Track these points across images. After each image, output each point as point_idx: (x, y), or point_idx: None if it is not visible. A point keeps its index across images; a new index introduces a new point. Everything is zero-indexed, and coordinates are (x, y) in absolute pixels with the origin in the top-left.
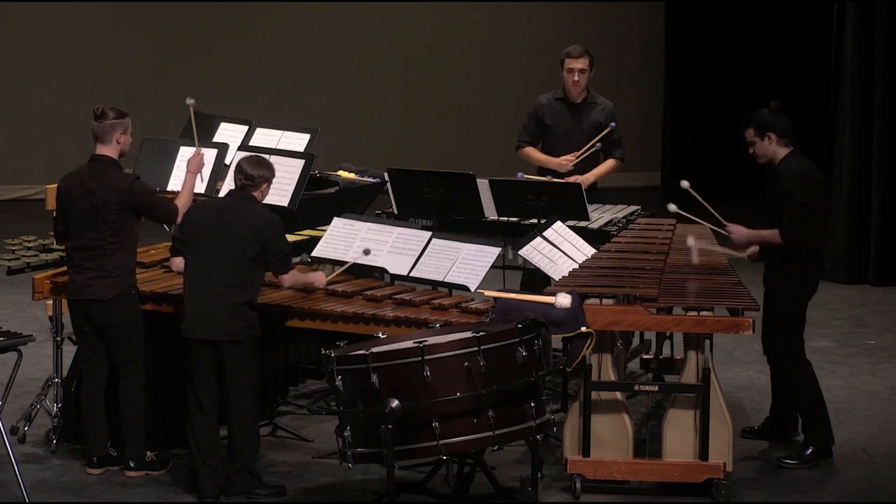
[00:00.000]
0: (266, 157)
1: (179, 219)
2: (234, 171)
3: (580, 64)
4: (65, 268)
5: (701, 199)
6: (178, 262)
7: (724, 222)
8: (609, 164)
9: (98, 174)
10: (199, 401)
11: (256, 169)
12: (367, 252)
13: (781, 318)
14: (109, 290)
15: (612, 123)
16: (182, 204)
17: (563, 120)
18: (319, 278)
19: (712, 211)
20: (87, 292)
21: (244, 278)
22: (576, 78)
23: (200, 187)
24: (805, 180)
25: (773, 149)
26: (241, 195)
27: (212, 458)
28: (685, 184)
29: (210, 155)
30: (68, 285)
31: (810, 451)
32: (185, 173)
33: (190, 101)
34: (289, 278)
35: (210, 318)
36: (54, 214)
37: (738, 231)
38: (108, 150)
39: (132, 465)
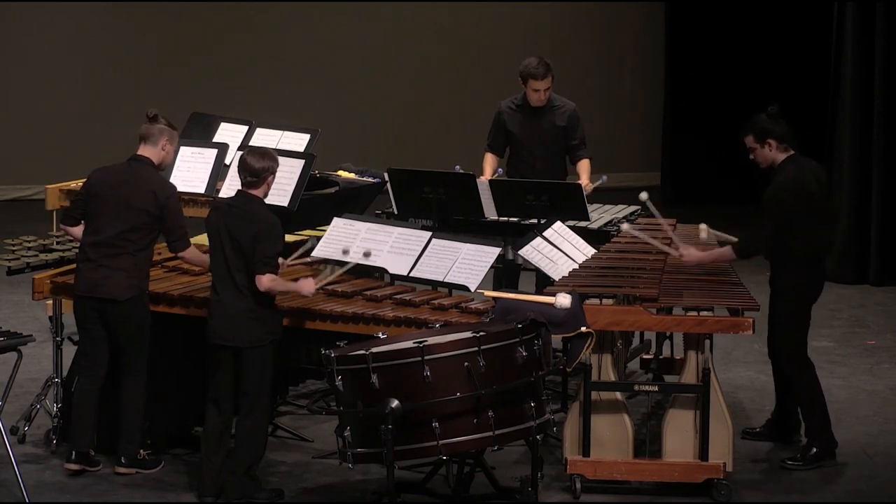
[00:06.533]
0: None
1: (185, 254)
2: (238, 169)
3: (545, 84)
4: (65, 268)
5: (658, 216)
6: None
7: (677, 245)
8: (587, 167)
9: (139, 172)
10: (217, 402)
11: (260, 161)
12: (367, 254)
13: (785, 321)
14: (126, 291)
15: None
16: (193, 254)
17: (525, 127)
18: (307, 287)
19: (668, 231)
20: (101, 291)
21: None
22: (541, 97)
23: (200, 187)
24: (793, 192)
25: (773, 154)
26: (246, 196)
27: (217, 457)
28: (644, 196)
29: (210, 155)
30: (78, 281)
31: (814, 451)
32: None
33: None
34: (266, 280)
35: (230, 324)
36: (73, 199)
37: (689, 254)
38: (151, 153)
39: (123, 461)
